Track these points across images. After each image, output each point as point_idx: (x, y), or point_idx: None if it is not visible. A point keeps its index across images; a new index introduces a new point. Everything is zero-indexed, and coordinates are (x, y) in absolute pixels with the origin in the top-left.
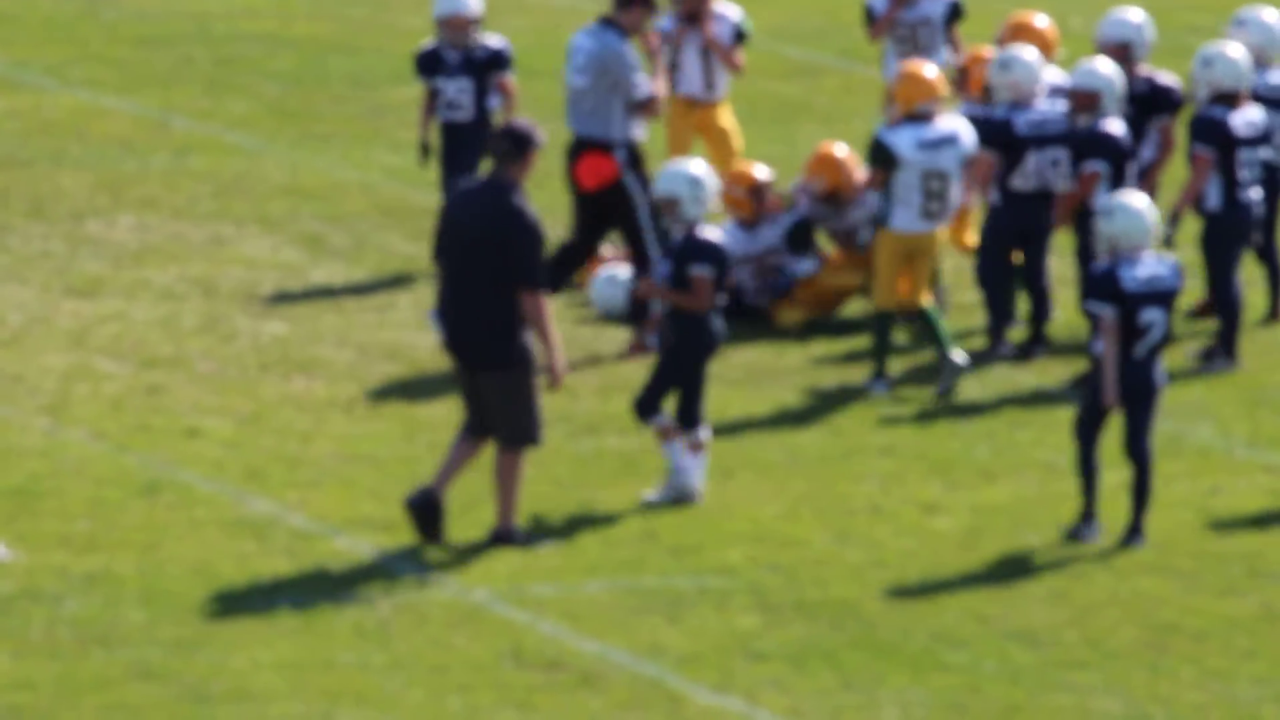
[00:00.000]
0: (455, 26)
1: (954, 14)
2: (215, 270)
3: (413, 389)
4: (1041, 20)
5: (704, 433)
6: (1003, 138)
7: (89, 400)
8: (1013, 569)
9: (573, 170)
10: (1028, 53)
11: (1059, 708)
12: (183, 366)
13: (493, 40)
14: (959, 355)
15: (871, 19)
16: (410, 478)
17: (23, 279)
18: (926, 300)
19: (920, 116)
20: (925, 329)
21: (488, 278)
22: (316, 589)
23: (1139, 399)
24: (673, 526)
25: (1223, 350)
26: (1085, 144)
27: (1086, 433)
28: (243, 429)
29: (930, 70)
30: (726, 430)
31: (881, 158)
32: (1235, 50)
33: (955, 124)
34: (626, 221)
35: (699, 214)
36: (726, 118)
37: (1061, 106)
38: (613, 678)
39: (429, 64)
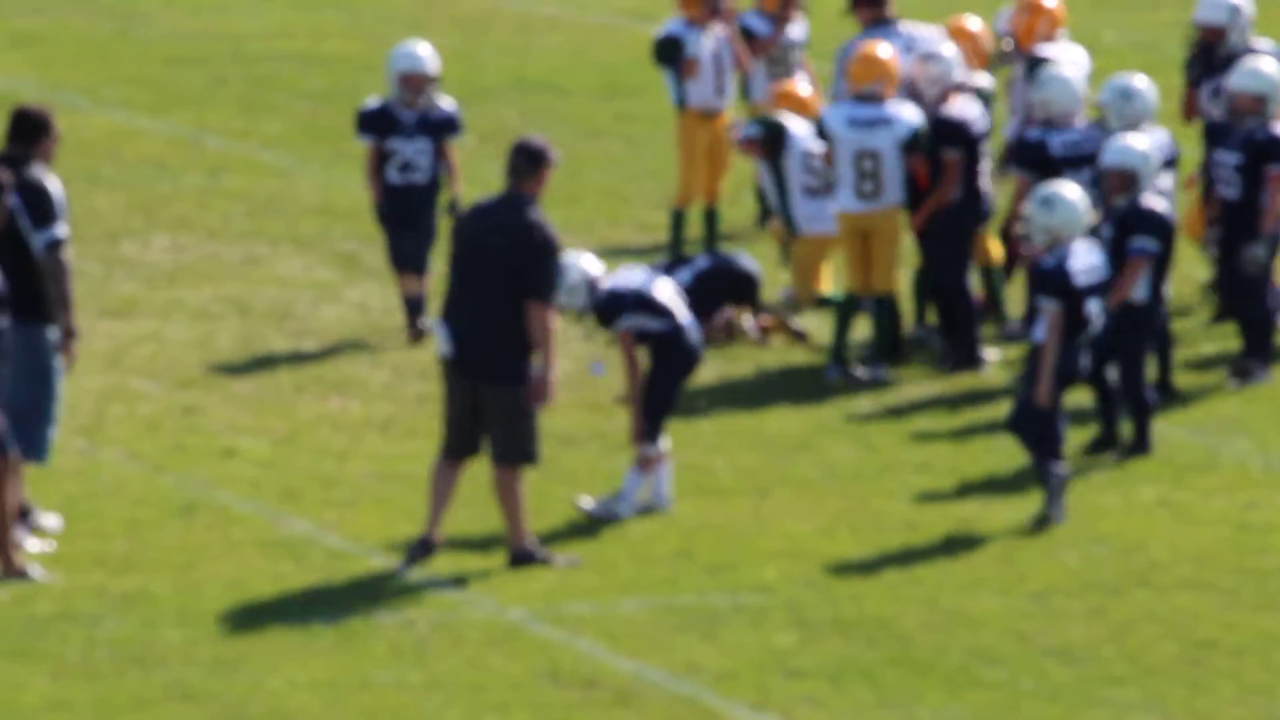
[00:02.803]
0: (415, 84)
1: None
2: (249, 290)
3: None
4: (974, 23)
5: (661, 447)
6: (1037, 158)
7: (125, 421)
8: (1050, 585)
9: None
10: (1067, 69)
11: None
12: (218, 387)
13: (445, 103)
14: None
15: (751, 38)
16: None
17: None
18: (891, 286)
19: (864, 97)
20: (879, 318)
21: (502, 292)
22: (353, 608)
23: (1064, 387)
24: (708, 544)
25: (1259, 361)
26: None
27: (1031, 428)
28: (278, 449)
29: (884, 51)
30: (762, 447)
31: (821, 133)
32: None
33: (898, 108)
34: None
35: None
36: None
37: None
38: (649, 696)
39: (381, 123)
